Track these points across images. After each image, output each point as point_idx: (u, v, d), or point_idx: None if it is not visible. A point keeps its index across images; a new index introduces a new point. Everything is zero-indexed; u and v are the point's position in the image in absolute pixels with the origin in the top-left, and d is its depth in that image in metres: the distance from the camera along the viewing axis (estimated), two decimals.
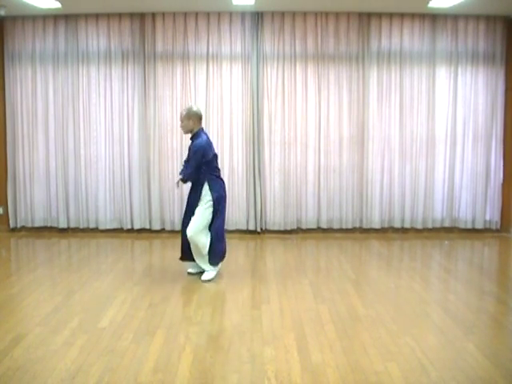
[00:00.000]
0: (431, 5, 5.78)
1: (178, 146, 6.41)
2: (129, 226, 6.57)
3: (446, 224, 6.66)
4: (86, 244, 6.11)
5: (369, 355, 3.12)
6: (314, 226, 6.61)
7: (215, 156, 4.59)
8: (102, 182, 6.52)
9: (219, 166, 4.69)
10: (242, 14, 6.29)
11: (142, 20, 6.31)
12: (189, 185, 4.70)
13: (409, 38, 6.40)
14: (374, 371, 2.92)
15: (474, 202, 6.63)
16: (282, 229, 6.57)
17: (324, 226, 6.59)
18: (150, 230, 6.59)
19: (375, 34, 6.38)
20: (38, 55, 6.40)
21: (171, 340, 3.35)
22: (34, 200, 6.56)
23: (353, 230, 6.64)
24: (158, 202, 6.51)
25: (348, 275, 4.85)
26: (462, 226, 6.68)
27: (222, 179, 4.66)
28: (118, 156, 6.49)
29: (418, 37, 6.39)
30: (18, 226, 6.63)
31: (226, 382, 2.82)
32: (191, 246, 4.56)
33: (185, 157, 4.87)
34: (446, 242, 6.33)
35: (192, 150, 4.50)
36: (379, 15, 6.34)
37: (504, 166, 6.64)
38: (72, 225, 6.58)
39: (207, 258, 4.60)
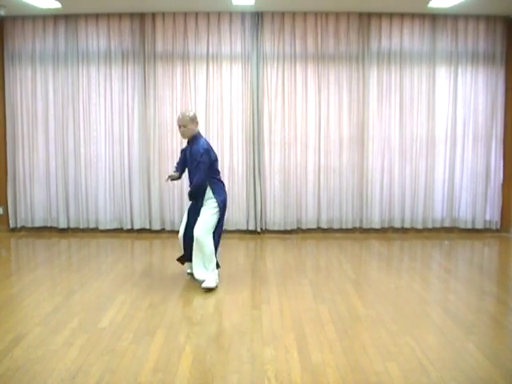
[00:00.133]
0: (431, 5, 5.78)
1: (178, 146, 6.38)
2: (129, 226, 6.57)
3: (446, 224, 6.66)
4: (85, 244, 6.11)
5: (369, 355, 3.12)
6: (314, 226, 6.61)
7: (216, 158, 4.53)
8: (102, 182, 6.52)
9: (219, 168, 4.65)
10: (242, 14, 6.29)
11: (142, 20, 6.31)
12: (188, 184, 4.66)
13: (409, 38, 6.40)
14: (374, 371, 2.92)
15: (474, 202, 6.63)
16: (281, 229, 6.57)
17: (324, 226, 6.59)
18: (149, 230, 6.59)
19: (375, 34, 6.38)
20: (38, 55, 6.40)
21: (171, 340, 3.35)
22: (34, 200, 6.56)
23: (353, 230, 6.64)
24: (158, 202, 6.51)
25: (348, 275, 4.85)
26: (462, 226, 6.68)
27: (222, 181, 4.57)
28: (118, 156, 6.49)
29: (417, 37, 6.39)
30: (18, 226, 6.63)
31: (226, 382, 2.82)
32: (194, 248, 4.34)
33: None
34: (446, 242, 6.33)
35: (197, 155, 4.29)
36: (379, 15, 6.34)
37: (504, 166, 6.64)
38: (72, 225, 6.58)
39: (208, 263, 4.35)
